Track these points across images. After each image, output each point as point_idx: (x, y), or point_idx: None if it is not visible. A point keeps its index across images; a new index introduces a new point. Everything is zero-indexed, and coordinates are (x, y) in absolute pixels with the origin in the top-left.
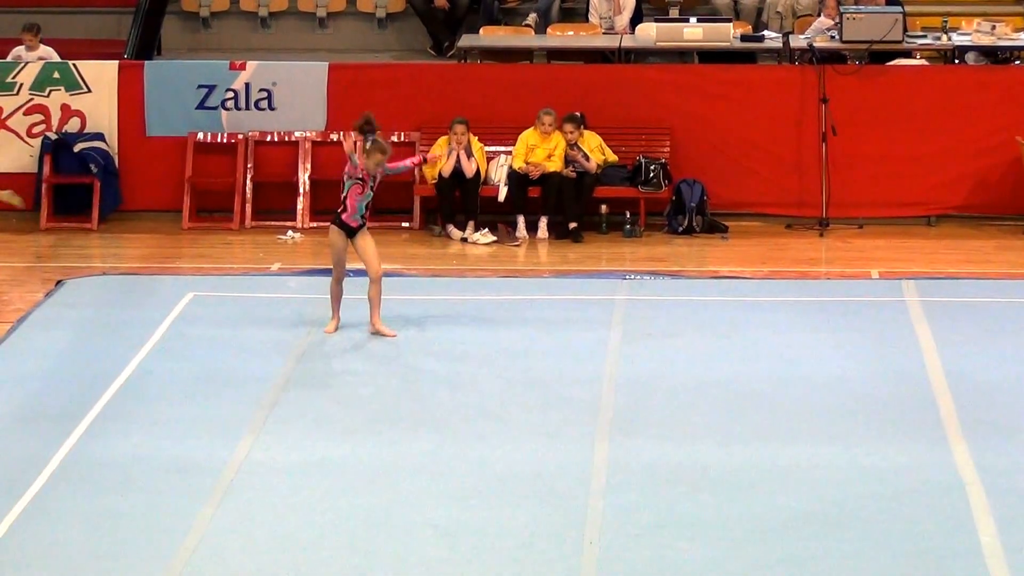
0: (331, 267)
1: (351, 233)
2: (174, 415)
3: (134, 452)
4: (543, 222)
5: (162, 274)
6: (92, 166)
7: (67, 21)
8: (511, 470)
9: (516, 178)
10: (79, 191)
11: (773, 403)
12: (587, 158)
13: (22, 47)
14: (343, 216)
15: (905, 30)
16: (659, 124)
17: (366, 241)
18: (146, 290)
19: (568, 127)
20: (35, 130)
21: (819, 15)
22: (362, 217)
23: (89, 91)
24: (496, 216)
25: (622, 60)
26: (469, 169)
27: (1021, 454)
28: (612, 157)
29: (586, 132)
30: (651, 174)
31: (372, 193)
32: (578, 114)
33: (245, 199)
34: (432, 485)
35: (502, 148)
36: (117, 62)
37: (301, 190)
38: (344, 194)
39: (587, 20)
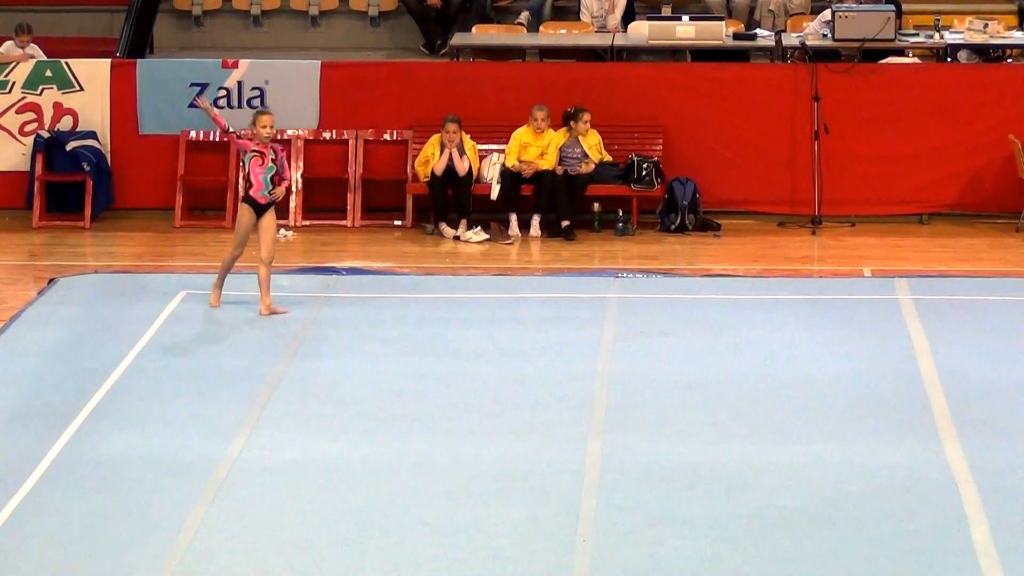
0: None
1: (260, 210)
2: (167, 413)
3: (127, 450)
4: (536, 220)
5: (155, 272)
6: (84, 164)
7: (59, 19)
8: (504, 468)
9: (509, 176)
10: (72, 189)
11: (766, 401)
12: (585, 155)
13: (11, 42)
14: (251, 192)
15: (898, 28)
16: (652, 122)
17: (270, 221)
18: (139, 288)
19: (585, 116)
20: (27, 128)
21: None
22: (269, 193)
23: (81, 89)
24: (489, 214)
25: (615, 58)
26: (462, 167)
27: (1014, 452)
28: (606, 156)
29: (590, 130)
30: (644, 172)
31: (275, 166)
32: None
33: (237, 197)
34: (425, 483)
35: (495, 146)
36: (109, 60)
37: (293, 188)
38: (246, 171)
39: (579, 18)
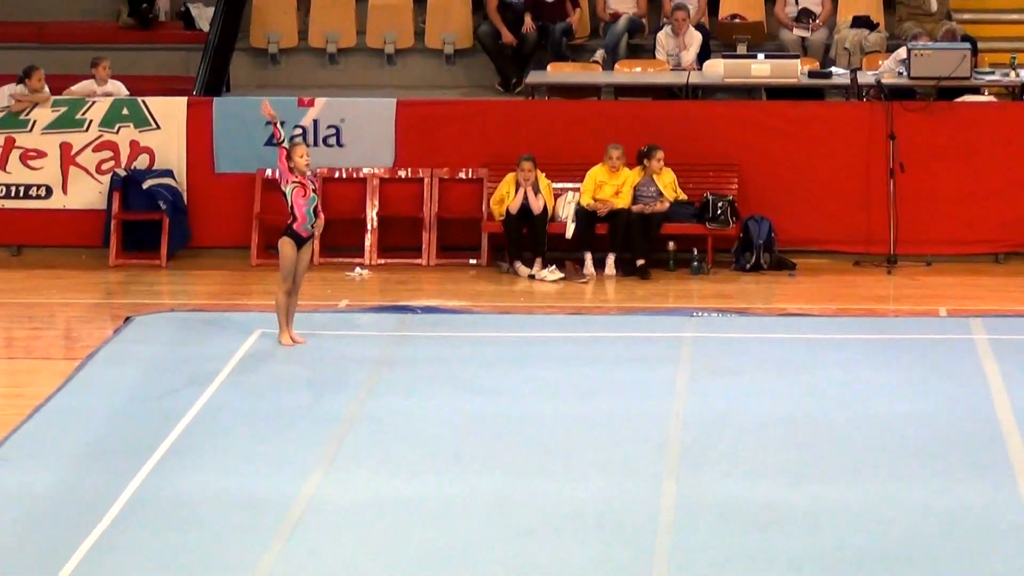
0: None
1: (301, 244)
2: (242, 451)
3: (203, 488)
4: (611, 259)
5: (230, 311)
6: (161, 203)
7: (136, 58)
8: (579, 507)
9: (584, 215)
10: (148, 227)
11: (841, 441)
12: (660, 193)
13: (91, 80)
14: (294, 226)
15: (974, 66)
16: (726, 160)
17: (308, 254)
18: (215, 326)
19: (659, 155)
20: (104, 167)
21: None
22: (312, 226)
23: (158, 127)
24: (563, 253)
25: (690, 96)
26: (536, 206)
27: None
28: (681, 194)
29: (664, 168)
30: (719, 211)
31: (316, 197)
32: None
33: (313, 236)
34: (499, 522)
35: (570, 185)
36: (186, 98)
37: (369, 227)
38: (289, 203)
39: (654, 56)
